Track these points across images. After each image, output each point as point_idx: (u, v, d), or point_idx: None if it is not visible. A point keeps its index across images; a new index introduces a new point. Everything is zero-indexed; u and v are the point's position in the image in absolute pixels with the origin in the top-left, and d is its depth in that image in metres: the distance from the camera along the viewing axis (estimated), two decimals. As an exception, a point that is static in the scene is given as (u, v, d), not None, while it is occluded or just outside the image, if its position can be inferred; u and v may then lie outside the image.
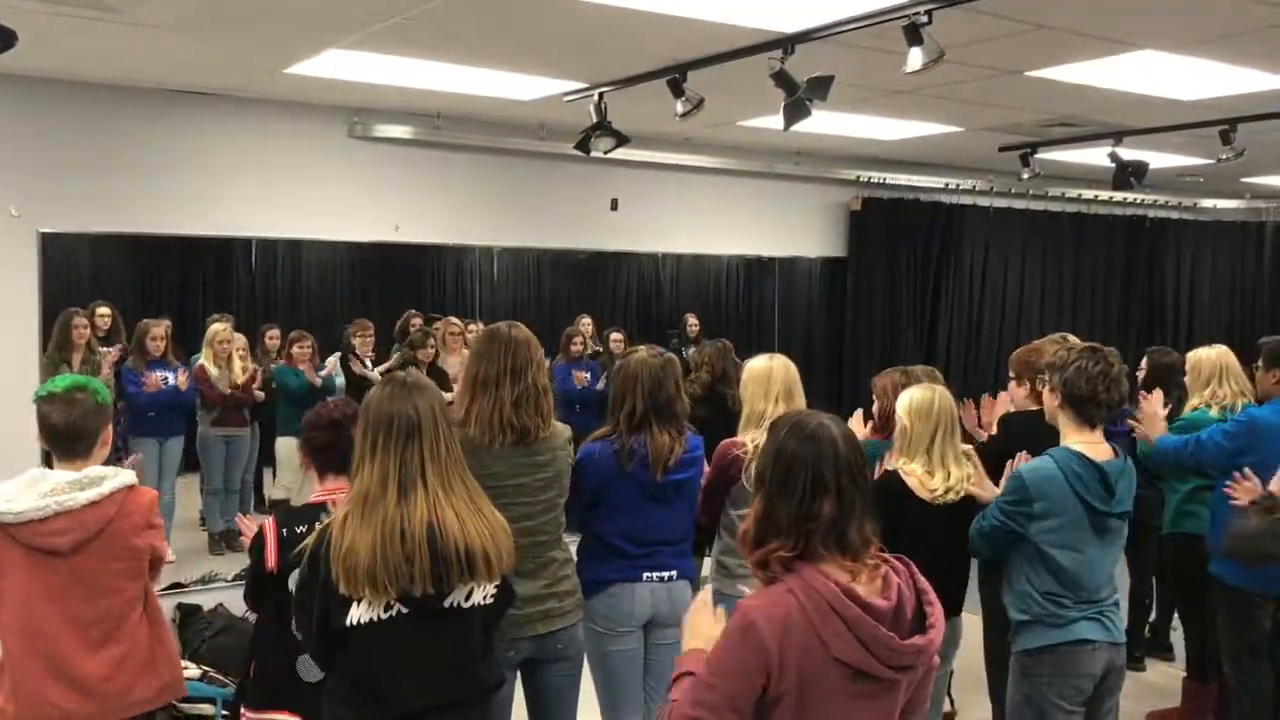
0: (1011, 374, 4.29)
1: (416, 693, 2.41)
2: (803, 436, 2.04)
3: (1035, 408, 4.04)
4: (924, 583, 2.05)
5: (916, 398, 3.60)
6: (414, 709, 2.41)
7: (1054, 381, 3.35)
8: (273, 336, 6.75)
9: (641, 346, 3.70)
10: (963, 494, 3.55)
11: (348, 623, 2.35)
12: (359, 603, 2.34)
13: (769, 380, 3.92)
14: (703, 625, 2.18)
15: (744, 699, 1.93)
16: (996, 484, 3.54)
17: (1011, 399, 4.26)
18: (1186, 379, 4.82)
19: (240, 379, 6.39)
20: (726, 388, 4.95)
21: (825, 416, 2.11)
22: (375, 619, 2.35)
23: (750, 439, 3.80)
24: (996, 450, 3.81)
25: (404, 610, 2.37)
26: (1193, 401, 4.75)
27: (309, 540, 2.44)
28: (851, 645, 1.91)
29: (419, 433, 2.40)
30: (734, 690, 1.93)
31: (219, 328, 6.39)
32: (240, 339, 6.49)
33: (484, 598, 2.47)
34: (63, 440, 2.97)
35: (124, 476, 2.99)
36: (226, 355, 6.38)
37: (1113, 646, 3.31)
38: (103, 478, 2.94)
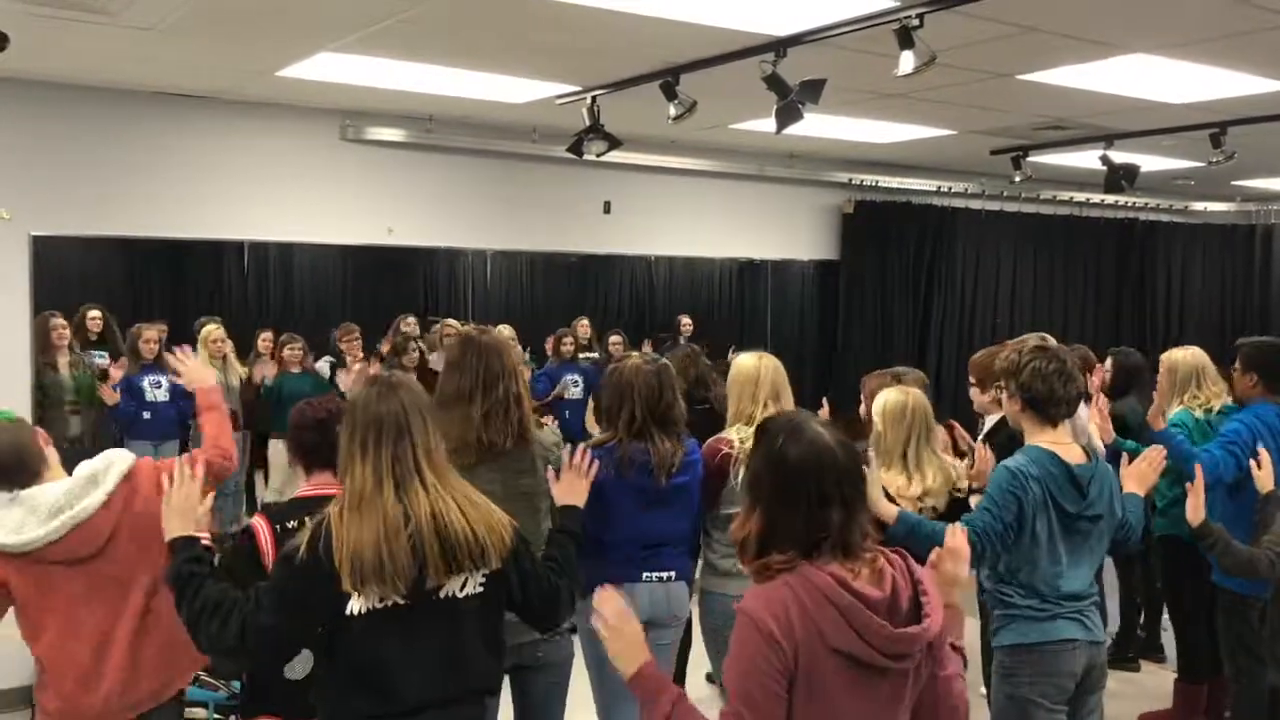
0: (972, 379, 4.27)
1: (415, 686, 2.42)
2: (801, 444, 2.03)
3: (1000, 413, 4.06)
4: (920, 574, 2.06)
5: (890, 401, 3.60)
6: (411, 703, 2.42)
7: (1011, 388, 3.36)
8: (265, 340, 6.75)
9: (634, 353, 3.71)
10: (945, 499, 3.56)
11: (347, 613, 2.37)
12: (357, 595, 2.36)
13: (756, 383, 3.93)
14: (630, 638, 2.14)
15: (779, 698, 1.94)
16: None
17: (975, 406, 4.22)
18: (1160, 381, 4.82)
19: (241, 374, 6.41)
20: (703, 390, 4.92)
21: (817, 421, 2.11)
22: (372, 608, 2.37)
23: (737, 436, 3.81)
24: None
25: (399, 601, 2.38)
26: (1174, 405, 4.75)
27: (304, 533, 2.43)
28: (847, 634, 1.92)
29: (409, 430, 2.43)
30: (769, 694, 1.93)
31: (212, 328, 6.40)
32: (228, 342, 6.49)
33: (475, 587, 2.48)
34: (15, 471, 2.97)
35: (117, 467, 3.01)
36: (222, 355, 6.38)
37: (1092, 645, 3.33)
38: (95, 475, 2.95)
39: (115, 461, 3.03)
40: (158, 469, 3.11)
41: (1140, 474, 3.59)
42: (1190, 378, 4.78)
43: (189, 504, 2.60)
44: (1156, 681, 5.43)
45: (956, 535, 2.39)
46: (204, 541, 2.66)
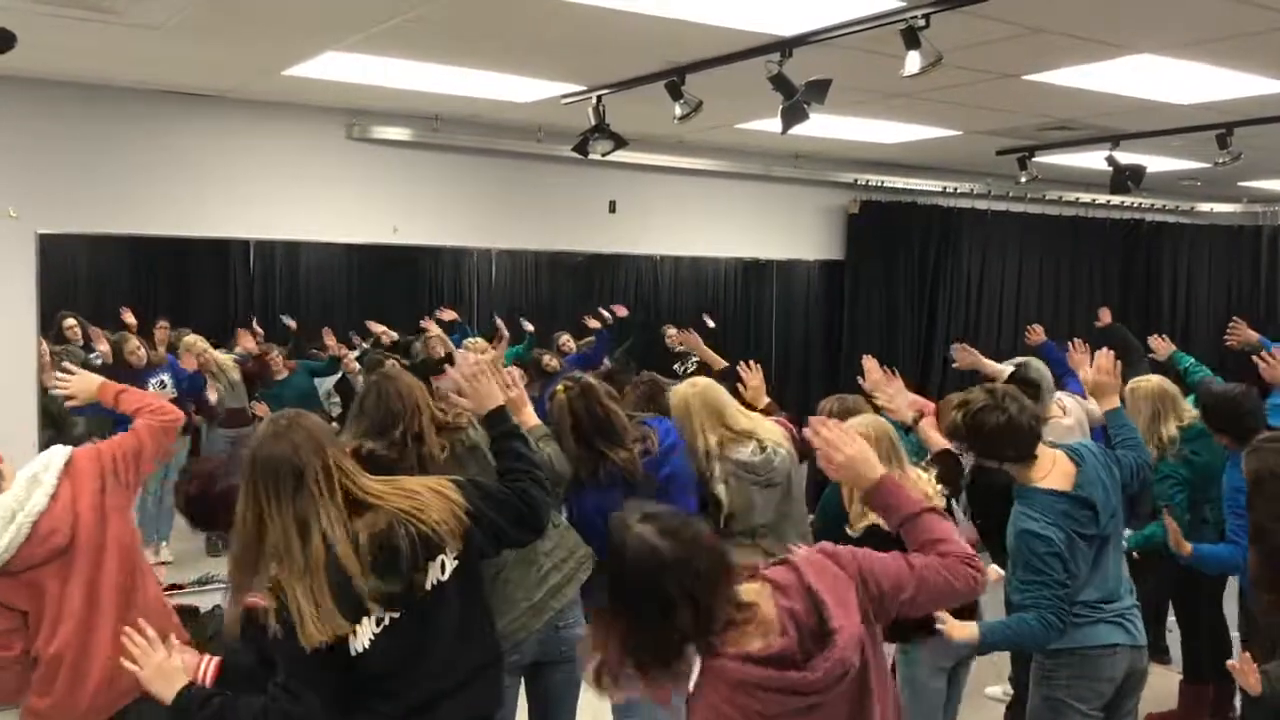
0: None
1: (431, 681, 2.43)
2: (625, 551, 1.94)
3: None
4: (811, 582, 2.00)
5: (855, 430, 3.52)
6: (428, 698, 2.43)
7: (976, 455, 3.35)
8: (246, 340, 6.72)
9: (559, 386, 3.68)
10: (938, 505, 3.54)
11: (354, 653, 2.37)
12: (353, 635, 2.35)
13: (689, 414, 3.88)
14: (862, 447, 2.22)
15: None
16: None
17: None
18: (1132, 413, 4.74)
19: (235, 375, 6.41)
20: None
21: (635, 519, 1.98)
22: (372, 636, 2.37)
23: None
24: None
25: (395, 616, 2.39)
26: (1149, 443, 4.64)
27: (271, 611, 2.38)
28: (778, 701, 1.91)
29: (304, 471, 2.37)
30: None
31: (190, 339, 6.37)
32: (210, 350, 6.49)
33: (451, 563, 2.48)
34: None
35: (55, 461, 3.04)
36: (209, 363, 6.38)
37: (1134, 649, 3.30)
38: (35, 474, 2.99)
39: (53, 459, 3.07)
40: (98, 452, 3.14)
41: (1101, 385, 3.57)
42: (1153, 415, 4.70)
43: (161, 667, 2.46)
44: (1162, 683, 5.41)
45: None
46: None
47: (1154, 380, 4.85)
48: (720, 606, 1.92)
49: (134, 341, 6.14)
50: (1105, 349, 3.73)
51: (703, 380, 4.04)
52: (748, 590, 1.99)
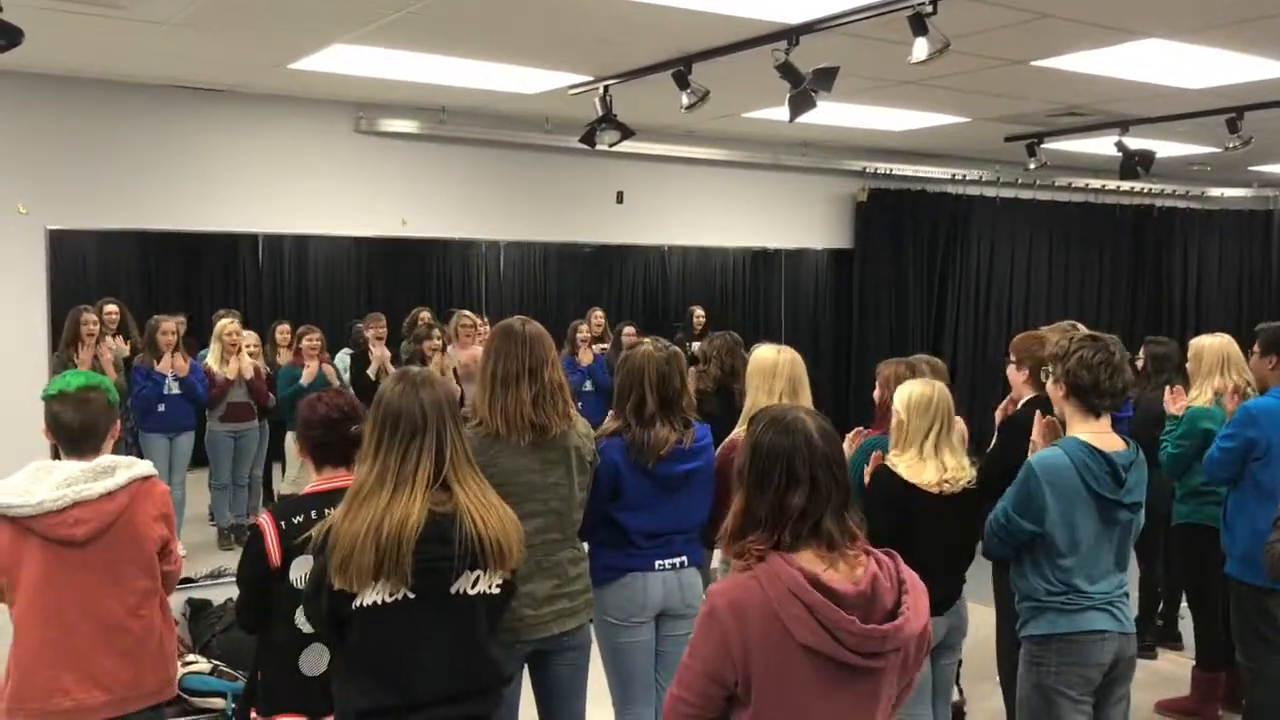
0: (1012, 358, 4.28)
1: (426, 680, 2.44)
2: (778, 430, 2.06)
3: (1033, 394, 4.05)
4: (907, 575, 2.05)
5: (915, 393, 3.59)
6: (423, 697, 2.44)
7: (1057, 373, 3.33)
8: (283, 332, 6.76)
9: (646, 340, 3.70)
10: (962, 485, 3.55)
11: (354, 605, 2.39)
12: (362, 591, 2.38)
13: (773, 375, 3.92)
14: None
15: (717, 680, 1.99)
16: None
17: (1011, 384, 4.25)
18: (1189, 367, 4.81)
19: (247, 374, 6.41)
20: (735, 382, 4.94)
21: (803, 410, 2.13)
22: (380, 602, 2.39)
23: None
24: (997, 458, 3.82)
25: (410, 595, 2.40)
26: (1194, 394, 4.72)
27: (317, 530, 2.47)
28: (813, 630, 1.92)
29: (423, 430, 2.44)
30: (708, 671, 1.99)
31: (226, 322, 6.42)
32: (251, 335, 6.51)
33: (490, 587, 2.49)
34: (74, 438, 3.00)
35: (139, 468, 3.02)
36: (235, 350, 6.41)
37: (1123, 636, 3.30)
38: (115, 467, 2.97)
39: (139, 463, 3.05)
40: (167, 499, 3.12)
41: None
42: (1214, 366, 4.75)
43: None
44: (1174, 669, 5.41)
45: None
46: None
47: (1219, 336, 4.86)
48: (835, 511, 2.02)
49: (170, 324, 6.12)
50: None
51: (791, 350, 4.08)
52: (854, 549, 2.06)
